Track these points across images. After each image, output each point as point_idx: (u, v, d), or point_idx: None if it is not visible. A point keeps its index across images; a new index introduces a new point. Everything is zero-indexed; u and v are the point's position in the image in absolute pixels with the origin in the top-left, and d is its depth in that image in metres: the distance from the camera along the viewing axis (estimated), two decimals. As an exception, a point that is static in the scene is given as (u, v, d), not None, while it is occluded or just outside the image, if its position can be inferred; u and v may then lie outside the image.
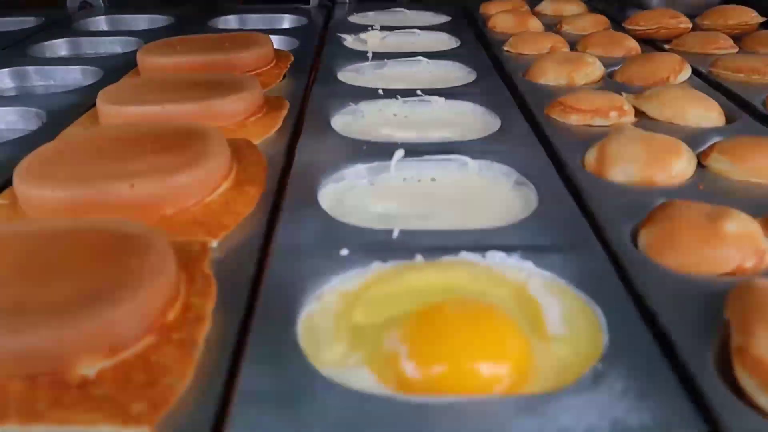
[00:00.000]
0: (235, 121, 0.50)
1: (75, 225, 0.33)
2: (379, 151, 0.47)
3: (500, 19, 0.79)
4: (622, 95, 0.54)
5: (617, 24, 0.81)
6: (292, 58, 0.66)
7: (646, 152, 0.43)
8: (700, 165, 0.44)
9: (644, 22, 0.72)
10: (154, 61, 0.61)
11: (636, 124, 0.51)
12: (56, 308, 0.27)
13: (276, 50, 0.67)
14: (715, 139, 0.48)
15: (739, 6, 0.74)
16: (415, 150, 0.47)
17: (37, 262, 0.30)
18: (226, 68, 0.60)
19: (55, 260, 0.30)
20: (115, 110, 0.49)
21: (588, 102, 0.51)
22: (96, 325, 0.27)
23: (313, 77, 0.64)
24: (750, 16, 0.72)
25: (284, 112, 0.53)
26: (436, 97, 0.57)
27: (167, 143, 0.41)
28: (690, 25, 0.71)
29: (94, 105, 0.56)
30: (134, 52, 0.74)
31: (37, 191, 0.37)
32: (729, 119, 0.53)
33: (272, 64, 0.63)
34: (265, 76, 0.61)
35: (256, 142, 0.48)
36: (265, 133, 0.49)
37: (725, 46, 0.68)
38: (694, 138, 0.48)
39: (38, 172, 0.39)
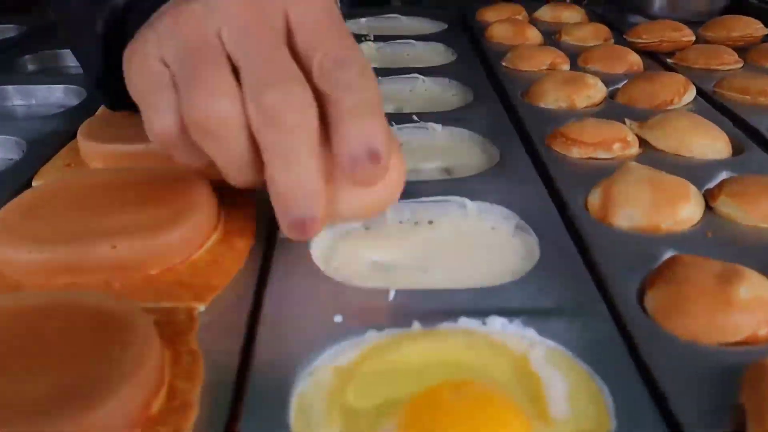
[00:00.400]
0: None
1: (52, 302, 0.31)
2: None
3: (497, 30, 0.77)
4: (625, 123, 0.53)
5: (618, 32, 0.79)
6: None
7: (652, 196, 0.41)
8: (708, 206, 0.43)
9: (647, 35, 0.69)
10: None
11: (640, 156, 0.49)
12: (31, 408, 0.25)
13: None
14: (723, 174, 0.47)
15: (744, 17, 0.72)
16: (411, 191, 0.45)
17: (9, 348, 0.28)
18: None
19: (30, 346, 0.28)
20: (97, 148, 0.47)
21: (590, 134, 0.49)
22: (75, 428, 0.25)
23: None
24: (755, 28, 0.70)
25: (274, 145, 0.51)
26: (432, 124, 0.55)
27: (151, 193, 0.39)
28: (693, 38, 0.69)
29: (76, 133, 0.54)
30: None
31: (13, 253, 0.35)
32: (736, 148, 0.51)
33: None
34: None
35: (245, 181, 0.46)
36: (255, 170, 0.47)
37: (730, 61, 0.66)
38: (700, 172, 0.47)
39: (13, 230, 0.37)
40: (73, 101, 0.67)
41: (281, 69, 0.31)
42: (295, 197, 0.32)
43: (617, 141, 0.49)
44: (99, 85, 0.47)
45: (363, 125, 0.31)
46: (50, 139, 0.55)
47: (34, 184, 0.47)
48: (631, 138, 0.50)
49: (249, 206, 0.43)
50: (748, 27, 0.70)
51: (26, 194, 0.40)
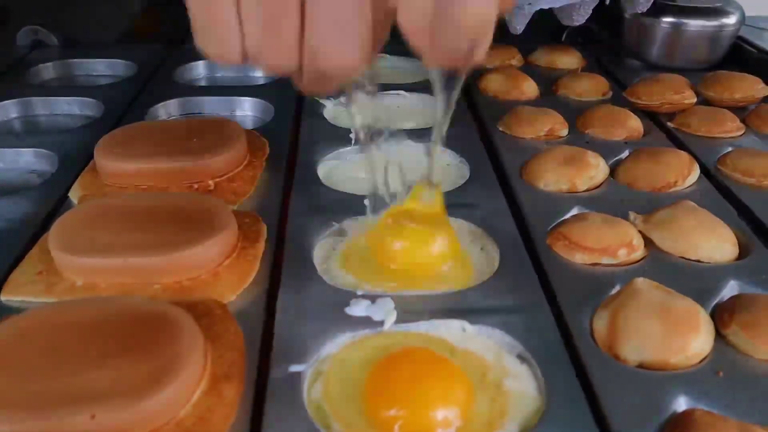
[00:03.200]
0: (205, 269, 0.45)
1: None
2: (369, 308, 0.43)
3: (492, 82, 0.73)
4: (629, 217, 0.51)
5: (615, 82, 0.77)
6: (268, 151, 0.60)
7: (662, 328, 0.39)
8: (718, 331, 0.41)
9: (647, 96, 0.67)
10: (113, 166, 0.54)
11: (646, 261, 0.47)
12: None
13: (249, 134, 0.61)
14: (731, 284, 0.45)
15: (746, 75, 0.70)
16: (409, 309, 0.43)
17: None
18: (194, 175, 0.54)
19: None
20: (72, 261, 0.44)
21: (594, 238, 0.47)
22: None
23: (290, 176, 0.58)
24: (756, 89, 0.68)
25: (261, 247, 0.48)
26: (428, 213, 0.52)
27: (131, 337, 0.36)
28: (694, 100, 0.67)
29: (50, 220, 0.51)
30: (91, 128, 0.68)
31: (-21, 423, 0.33)
32: (742, 247, 0.49)
33: (245, 162, 0.57)
34: (238, 182, 0.55)
35: (230, 298, 0.43)
36: (241, 283, 0.44)
37: (732, 129, 0.64)
38: (707, 282, 0.45)
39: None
40: (44, 166, 0.63)
41: None
42: None
43: (622, 246, 0.47)
44: None
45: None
46: (19, 228, 0.51)
47: (2, 298, 0.44)
48: (636, 241, 0.48)
49: (237, 337, 0.40)
50: (751, 88, 0.68)
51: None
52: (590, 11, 0.72)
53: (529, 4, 0.68)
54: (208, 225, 0.46)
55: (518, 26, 0.71)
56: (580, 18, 0.72)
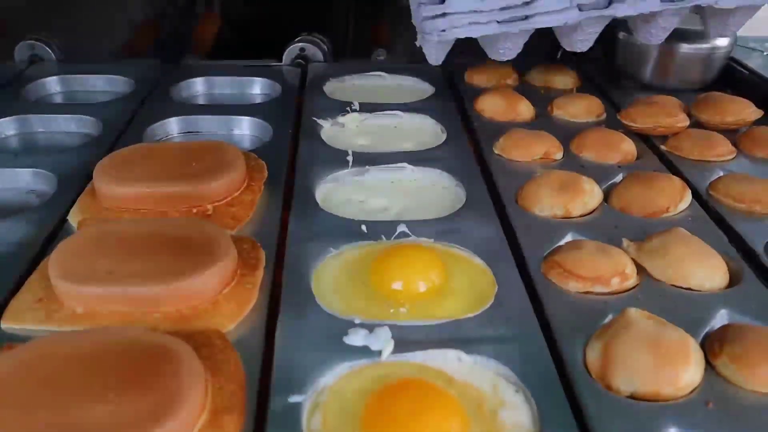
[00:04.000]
0: (205, 298, 0.45)
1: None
2: (367, 338, 0.43)
3: (488, 103, 0.74)
4: (623, 244, 0.51)
5: (610, 103, 0.78)
6: (266, 174, 0.60)
7: (654, 359, 0.40)
8: (708, 361, 0.42)
9: (640, 119, 0.68)
10: (111, 190, 0.55)
11: (638, 290, 0.48)
12: None
13: (247, 157, 0.61)
14: (722, 313, 0.46)
15: (738, 98, 0.71)
16: (405, 340, 0.43)
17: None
18: (193, 199, 0.54)
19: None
20: (72, 290, 0.44)
21: (589, 268, 0.48)
22: None
23: (288, 200, 0.59)
24: (747, 112, 0.69)
25: (260, 275, 0.48)
26: (425, 239, 0.53)
27: (132, 372, 0.37)
28: (687, 123, 0.68)
29: (49, 244, 0.52)
30: (90, 147, 0.69)
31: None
32: (733, 274, 0.50)
33: (244, 186, 0.58)
34: (237, 207, 0.55)
35: (230, 326, 0.44)
36: (241, 311, 0.45)
37: (724, 152, 0.65)
38: (699, 311, 0.46)
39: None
40: (43, 186, 0.63)
41: None
42: None
43: (615, 275, 0.47)
44: None
45: None
46: (18, 252, 0.51)
47: (3, 326, 0.44)
48: (629, 269, 0.48)
49: (237, 369, 0.40)
50: (742, 111, 0.69)
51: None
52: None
53: (443, 30, 0.61)
54: (208, 253, 0.46)
55: (432, 58, 0.64)
56: None
